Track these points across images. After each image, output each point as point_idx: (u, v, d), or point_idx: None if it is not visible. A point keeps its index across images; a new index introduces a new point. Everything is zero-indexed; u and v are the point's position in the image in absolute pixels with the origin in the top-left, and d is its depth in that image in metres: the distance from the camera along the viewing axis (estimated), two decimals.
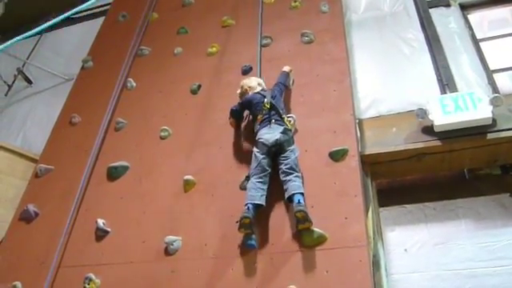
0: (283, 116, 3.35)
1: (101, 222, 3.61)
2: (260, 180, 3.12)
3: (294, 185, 3.02)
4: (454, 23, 4.39)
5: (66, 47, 6.50)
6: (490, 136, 3.34)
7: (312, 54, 4.09)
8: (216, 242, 3.17)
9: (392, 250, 3.58)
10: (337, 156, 3.27)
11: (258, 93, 3.55)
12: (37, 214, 3.99)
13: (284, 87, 3.66)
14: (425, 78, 4.01)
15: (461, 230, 3.55)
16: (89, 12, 6.80)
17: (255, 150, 3.25)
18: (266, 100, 3.41)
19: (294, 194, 2.95)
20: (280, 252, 2.96)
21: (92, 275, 3.33)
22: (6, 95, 6.39)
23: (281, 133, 3.20)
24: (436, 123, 3.41)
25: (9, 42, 3.32)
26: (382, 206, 3.73)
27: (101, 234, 3.59)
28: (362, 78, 4.20)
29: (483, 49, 4.19)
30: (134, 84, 4.75)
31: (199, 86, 4.31)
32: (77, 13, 4.05)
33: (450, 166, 3.66)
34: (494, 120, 3.35)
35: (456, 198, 3.70)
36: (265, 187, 3.12)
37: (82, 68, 5.38)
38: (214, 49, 4.60)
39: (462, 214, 3.63)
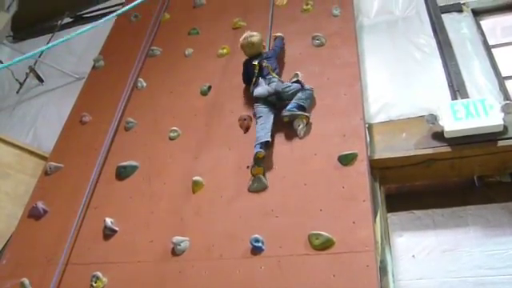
0: (272, 72, 3.72)
1: (109, 220, 3.63)
2: (262, 122, 3.51)
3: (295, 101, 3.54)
4: (467, 29, 4.34)
5: (78, 46, 6.52)
6: (500, 143, 3.30)
7: (323, 57, 4.08)
8: (223, 243, 3.18)
9: (399, 255, 3.55)
10: (346, 160, 3.26)
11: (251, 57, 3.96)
12: (45, 212, 4.02)
13: (279, 49, 4.08)
14: (436, 83, 3.98)
15: (469, 238, 3.51)
16: (101, 11, 6.86)
17: (254, 104, 3.70)
18: (255, 62, 3.83)
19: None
20: (287, 255, 2.96)
21: (99, 273, 3.35)
22: (17, 93, 6.46)
23: (267, 84, 3.64)
24: (446, 129, 3.38)
25: (31, 53, 3.37)
26: (391, 212, 3.70)
27: (109, 233, 3.61)
28: (372, 82, 4.17)
29: (495, 55, 4.15)
30: (145, 84, 4.77)
31: (209, 88, 4.32)
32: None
33: (459, 172, 3.62)
34: (505, 127, 3.30)
35: (465, 204, 3.66)
36: (268, 125, 3.48)
37: (93, 67, 5.42)
38: (225, 50, 4.61)
39: (471, 221, 3.59)
